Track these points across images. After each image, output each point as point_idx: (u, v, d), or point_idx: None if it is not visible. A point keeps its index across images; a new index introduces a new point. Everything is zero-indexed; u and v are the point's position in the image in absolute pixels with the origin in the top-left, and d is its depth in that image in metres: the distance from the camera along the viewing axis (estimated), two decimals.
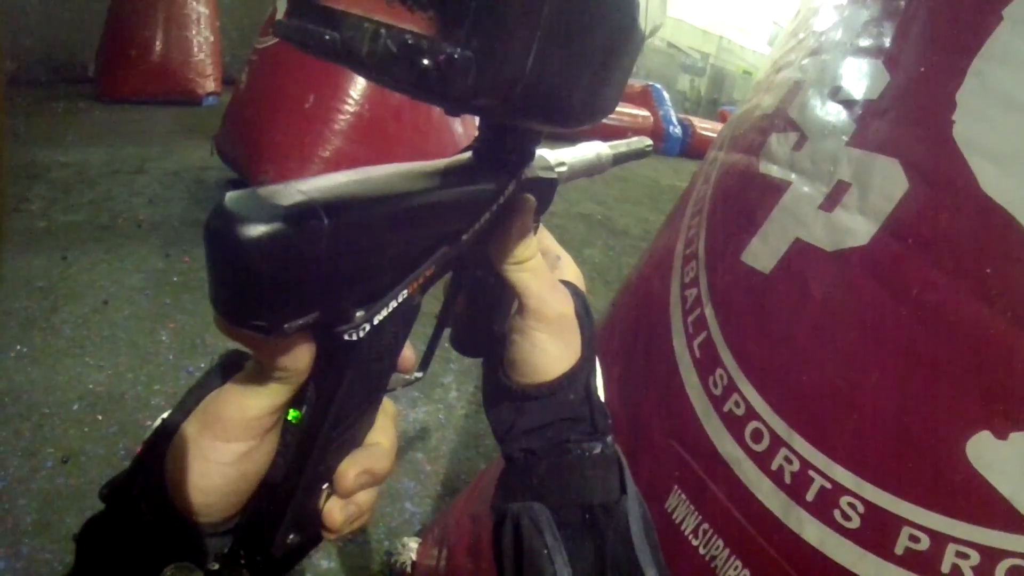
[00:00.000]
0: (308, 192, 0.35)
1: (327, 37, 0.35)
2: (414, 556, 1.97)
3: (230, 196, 0.34)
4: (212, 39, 8.50)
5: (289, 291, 0.34)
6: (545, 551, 0.53)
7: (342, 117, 4.29)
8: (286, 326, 0.35)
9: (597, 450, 0.58)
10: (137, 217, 4.56)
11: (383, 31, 0.33)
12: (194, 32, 8.24)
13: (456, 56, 0.31)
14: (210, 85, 8.61)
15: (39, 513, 2.08)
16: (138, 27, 7.85)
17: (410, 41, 0.32)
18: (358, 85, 4.25)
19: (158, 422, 0.45)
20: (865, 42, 0.96)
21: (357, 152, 4.32)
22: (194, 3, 8.18)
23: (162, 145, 6.50)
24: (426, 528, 2.14)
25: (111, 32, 7.98)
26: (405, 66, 0.32)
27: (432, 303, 0.53)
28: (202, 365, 2.94)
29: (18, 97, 7.44)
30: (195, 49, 8.32)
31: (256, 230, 0.31)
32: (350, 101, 4.29)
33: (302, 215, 0.33)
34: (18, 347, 2.87)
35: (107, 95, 8.01)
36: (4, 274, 3.41)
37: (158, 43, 7.98)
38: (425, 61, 0.31)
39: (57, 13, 8.65)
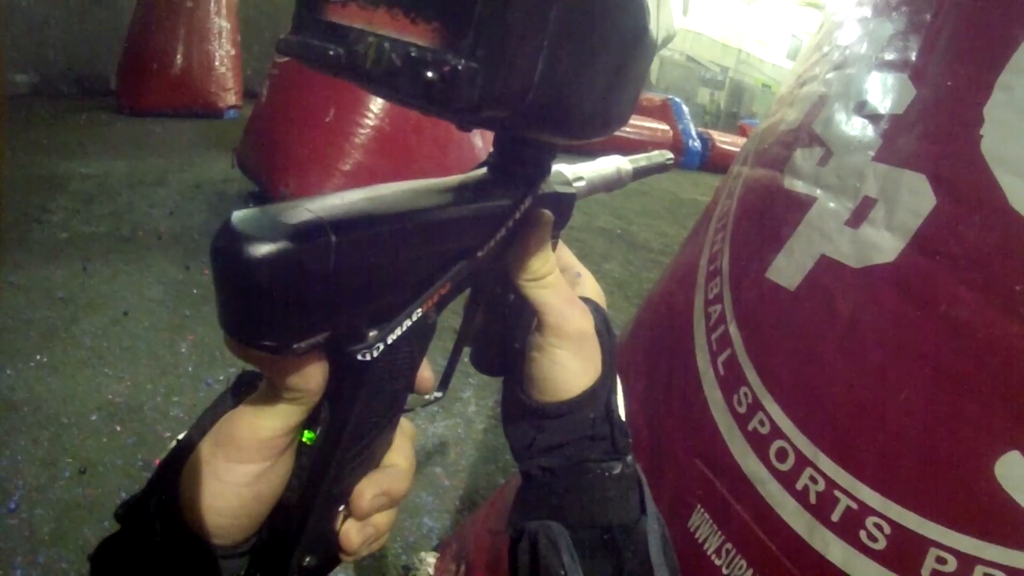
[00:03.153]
0: (316, 210, 0.34)
1: (331, 52, 0.35)
2: (432, 571, 1.96)
3: (237, 215, 0.33)
4: (233, 52, 8.60)
5: (298, 310, 0.33)
6: (562, 571, 0.52)
7: (362, 131, 4.31)
8: (296, 346, 0.34)
9: (617, 469, 0.57)
10: (158, 229, 4.60)
11: (387, 44, 0.33)
12: (215, 45, 8.34)
13: (460, 67, 0.31)
14: (231, 98, 8.70)
15: (56, 523, 2.09)
16: (160, 40, 7.96)
17: (414, 54, 0.32)
18: (378, 99, 4.27)
19: (173, 443, 0.44)
20: (890, 56, 0.96)
21: (377, 165, 4.34)
22: (215, 17, 8.28)
23: (183, 157, 6.57)
24: (444, 543, 2.13)
25: (133, 45, 8.09)
26: (410, 79, 0.32)
27: (452, 319, 0.52)
28: (221, 377, 2.96)
29: (41, 109, 7.54)
30: (216, 62, 8.42)
31: (262, 248, 0.31)
32: (370, 115, 4.31)
33: (309, 233, 0.33)
34: (38, 357, 2.89)
35: (129, 107, 8.13)
36: (25, 284, 3.45)
37: (179, 56, 8.08)
38: (430, 73, 0.31)
39: (79, 27, 8.78)
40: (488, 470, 2.73)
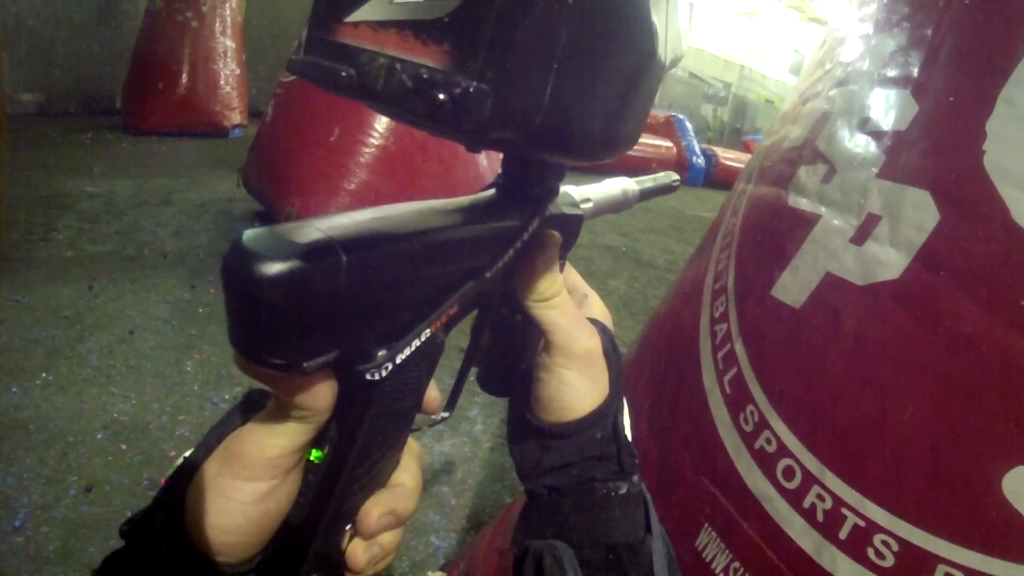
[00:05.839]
0: (326, 229, 0.35)
1: (343, 73, 0.35)
2: None
3: (248, 234, 0.33)
4: (238, 72, 8.65)
5: (307, 329, 0.34)
6: None
7: (367, 150, 4.33)
8: (305, 364, 0.35)
9: (623, 489, 0.57)
10: (164, 248, 4.61)
11: (398, 66, 0.33)
12: (220, 65, 8.39)
13: (471, 89, 0.31)
14: (236, 117, 8.75)
15: (62, 541, 2.08)
16: (165, 60, 8.01)
17: (425, 75, 0.32)
18: (383, 118, 4.28)
19: (180, 460, 0.44)
20: (892, 72, 0.96)
21: (382, 184, 4.35)
22: (220, 36, 8.34)
23: (189, 177, 6.59)
24: (451, 562, 2.12)
25: (138, 65, 8.14)
26: (420, 100, 0.32)
27: (460, 338, 0.52)
28: (227, 396, 2.96)
29: (47, 129, 7.58)
30: (221, 82, 8.47)
31: (273, 267, 0.31)
32: (375, 134, 4.32)
33: (320, 252, 0.33)
34: (44, 375, 2.90)
35: (134, 127, 8.17)
36: (31, 303, 3.46)
37: (185, 76, 8.13)
38: (440, 95, 0.31)
39: (86, 47, 8.84)
40: (495, 489, 2.72)
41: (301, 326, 0.33)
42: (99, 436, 2.58)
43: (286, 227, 0.34)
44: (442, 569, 2.10)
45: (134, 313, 3.58)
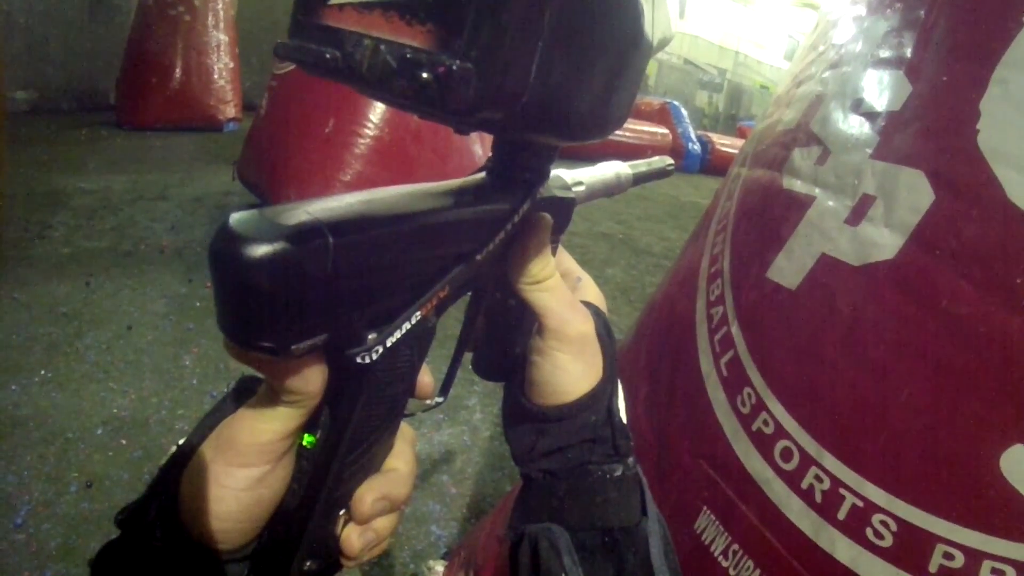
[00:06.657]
0: (313, 212, 0.35)
1: (328, 55, 0.36)
2: None
3: (235, 216, 0.33)
4: (232, 65, 8.62)
5: (295, 311, 0.33)
6: (563, 574, 0.52)
7: (362, 141, 4.31)
8: (294, 348, 0.34)
9: (618, 472, 0.57)
10: (160, 243, 4.61)
11: (382, 47, 0.33)
12: (214, 59, 8.37)
13: (455, 68, 0.31)
14: (230, 111, 8.72)
15: (64, 537, 2.09)
16: (158, 55, 7.98)
17: (409, 55, 0.32)
18: (377, 109, 4.28)
19: (173, 448, 0.44)
20: (886, 53, 0.95)
21: (378, 175, 4.34)
22: (213, 30, 8.31)
23: (184, 171, 6.58)
24: (452, 551, 2.12)
25: (131, 60, 8.12)
26: (405, 80, 0.32)
27: (454, 325, 0.52)
28: (225, 390, 2.91)
29: (41, 126, 7.56)
30: (215, 76, 8.44)
31: (260, 249, 0.31)
32: (369, 125, 4.31)
33: (306, 234, 0.33)
34: (43, 372, 2.90)
35: (128, 122, 8.15)
36: (28, 300, 3.46)
37: (178, 70, 8.11)
38: (424, 74, 0.31)
39: (78, 43, 8.81)
40: (495, 477, 2.72)
41: (288, 309, 0.33)
42: (99, 432, 2.59)
43: (274, 209, 0.34)
44: (443, 558, 2.10)
45: (131, 309, 3.58)
